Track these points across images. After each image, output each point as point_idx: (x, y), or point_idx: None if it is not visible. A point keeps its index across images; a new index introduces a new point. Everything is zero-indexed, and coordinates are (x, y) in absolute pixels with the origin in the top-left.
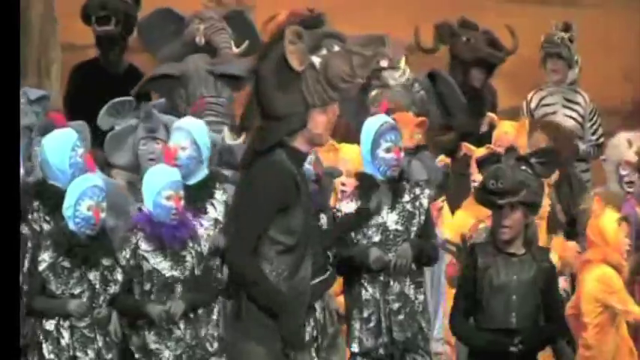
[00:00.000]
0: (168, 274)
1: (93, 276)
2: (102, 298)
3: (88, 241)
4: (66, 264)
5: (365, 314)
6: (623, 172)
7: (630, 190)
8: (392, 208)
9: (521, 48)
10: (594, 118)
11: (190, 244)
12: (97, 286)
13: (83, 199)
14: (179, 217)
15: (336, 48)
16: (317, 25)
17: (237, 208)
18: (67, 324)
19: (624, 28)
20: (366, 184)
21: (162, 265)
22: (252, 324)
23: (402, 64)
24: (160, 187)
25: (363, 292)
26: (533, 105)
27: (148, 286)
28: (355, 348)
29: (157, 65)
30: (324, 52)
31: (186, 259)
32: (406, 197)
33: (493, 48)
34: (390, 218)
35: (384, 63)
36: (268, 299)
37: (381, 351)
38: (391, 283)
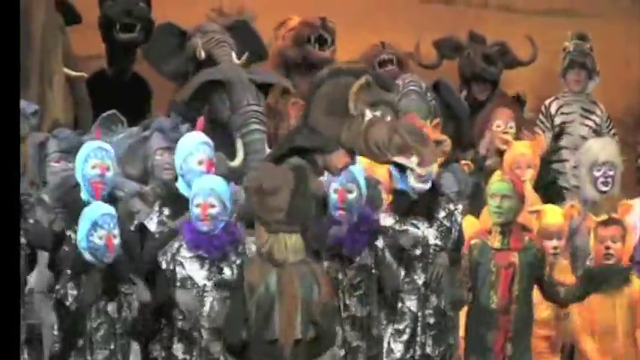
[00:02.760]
0: (201, 283)
1: (111, 308)
2: (118, 325)
3: (103, 271)
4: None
5: (401, 326)
6: (596, 174)
7: (605, 189)
8: (430, 224)
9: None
10: (611, 129)
11: (232, 257)
12: (115, 316)
13: (95, 229)
14: (212, 225)
15: (388, 118)
16: (388, 88)
17: None
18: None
19: (625, 37)
20: (401, 202)
21: (197, 273)
22: None
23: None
24: (192, 194)
25: (400, 304)
26: (552, 110)
27: None
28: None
29: (162, 76)
30: (377, 113)
31: (224, 270)
32: (442, 213)
33: (488, 63)
34: (429, 233)
35: (414, 160)
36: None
37: None
38: (430, 297)
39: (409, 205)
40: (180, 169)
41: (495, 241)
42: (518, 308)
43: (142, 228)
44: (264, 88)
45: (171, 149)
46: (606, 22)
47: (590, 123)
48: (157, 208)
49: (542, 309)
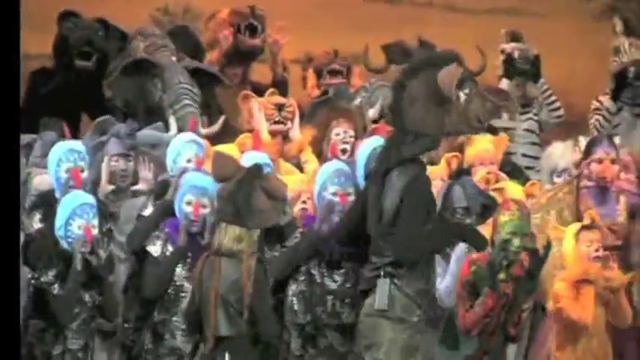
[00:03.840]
0: (179, 283)
1: (88, 296)
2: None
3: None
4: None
5: None
6: (556, 180)
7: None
8: None
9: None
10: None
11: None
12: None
13: (74, 218)
14: (199, 226)
15: (474, 90)
16: (455, 60)
17: (400, 216)
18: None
19: (570, 36)
20: None
21: (178, 271)
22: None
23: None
24: (182, 192)
25: None
26: None
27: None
28: None
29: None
30: (467, 90)
31: None
32: None
33: None
34: None
35: (505, 117)
36: (448, 234)
37: None
38: None
39: None
40: (171, 171)
41: (502, 274)
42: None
43: (144, 252)
44: (201, 81)
45: (127, 156)
46: (550, 20)
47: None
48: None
49: None
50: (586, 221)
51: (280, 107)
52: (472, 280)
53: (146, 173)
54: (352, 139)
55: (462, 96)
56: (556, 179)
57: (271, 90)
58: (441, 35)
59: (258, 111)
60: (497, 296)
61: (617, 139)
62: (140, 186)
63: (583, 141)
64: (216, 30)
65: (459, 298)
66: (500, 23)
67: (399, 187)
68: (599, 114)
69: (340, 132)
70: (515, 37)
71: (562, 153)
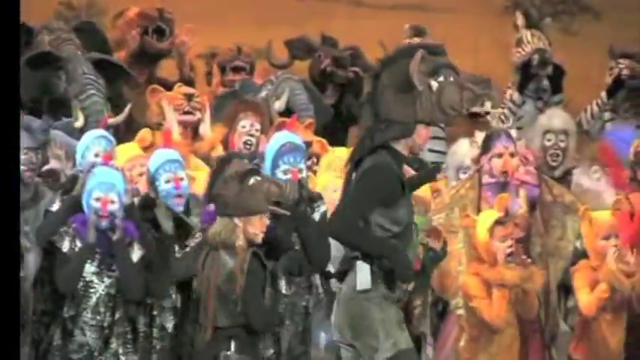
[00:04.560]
0: (88, 279)
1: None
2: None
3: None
4: None
5: None
6: (462, 176)
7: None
8: None
9: (374, 52)
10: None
11: (122, 255)
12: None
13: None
14: (108, 221)
15: (452, 79)
16: (439, 53)
17: (347, 195)
18: None
19: (475, 31)
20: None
21: (87, 267)
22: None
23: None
24: (90, 187)
25: None
26: None
27: None
28: None
29: None
30: (441, 78)
31: (113, 268)
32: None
33: (338, 66)
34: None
35: (488, 104)
36: (380, 245)
37: None
38: None
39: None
40: (79, 166)
41: None
42: None
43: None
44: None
45: (37, 150)
46: (455, 15)
47: None
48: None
49: None
50: (499, 215)
51: (189, 97)
52: None
53: (57, 151)
54: (258, 133)
55: (435, 84)
56: (462, 176)
57: (179, 83)
58: (347, 30)
59: (167, 106)
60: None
61: (513, 132)
62: (52, 164)
63: (479, 136)
64: (123, 29)
65: None
66: (405, 18)
67: (360, 171)
68: (504, 107)
69: (246, 124)
70: (418, 32)
71: (467, 150)
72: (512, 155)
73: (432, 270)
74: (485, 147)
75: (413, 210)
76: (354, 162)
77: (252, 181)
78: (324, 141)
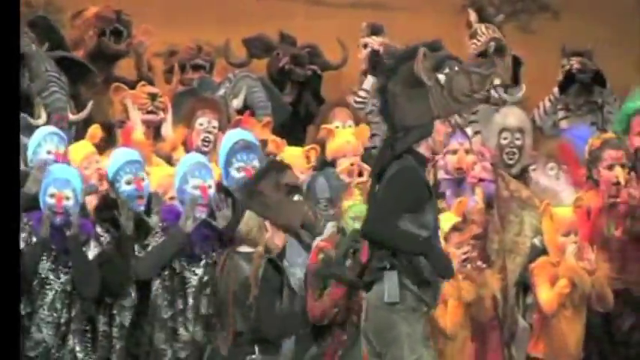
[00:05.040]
0: (44, 275)
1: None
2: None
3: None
4: None
5: None
6: None
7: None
8: None
9: (333, 51)
10: None
11: (77, 252)
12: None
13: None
14: (62, 218)
15: (456, 68)
16: (438, 48)
17: (377, 201)
18: None
19: (433, 29)
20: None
21: (42, 264)
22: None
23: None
24: (46, 184)
25: None
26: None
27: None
28: None
29: None
30: (447, 70)
31: (69, 264)
32: None
33: (296, 64)
34: None
35: (497, 81)
36: (417, 243)
37: None
38: None
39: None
40: (30, 162)
41: (349, 262)
42: None
43: None
44: (69, 71)
45: None
46: (413, 14)
47: None
48: None
49: None
50: (456, 221)
51: (153, 97)
52: (321, 269)
53: None
54: (215, 130)
55: (442, 77)
56: None
57: (142, 82)
58: (306, 29)
59: (131, 105)
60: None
61: (469, 130)
62: None
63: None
64: (81, 29)
65: (309, 286)
66: (364, 17)
67: (388, 176)
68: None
69: (204, 122)
70: (376, 31)
71: None
72: (467, 152)
73: None
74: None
75: (437, 214)
76: (377, 173)
77: (296, 197)
78: (279, 140)
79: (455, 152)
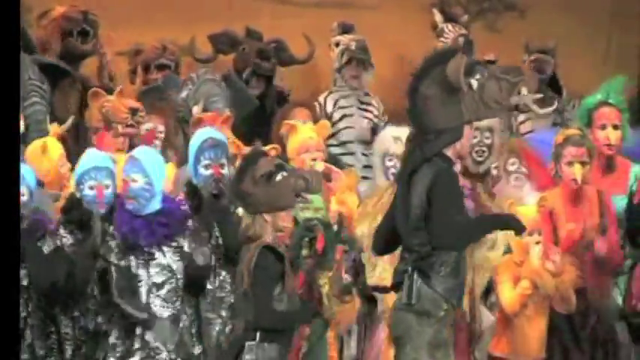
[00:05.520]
0: None
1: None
2: None
3: None
4: None
5: None
6: (388, 164)
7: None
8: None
9: (300, 50)
10: (387, 121)
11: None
12: None
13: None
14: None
15: (485, 73)
16: (464, 49)
17: (440, 213)
18: None
19: (400, 28)
20: (191, 196)
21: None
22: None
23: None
24: None
25: None
26: (329, 108)
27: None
28: None
29: None
30: (478, 76)
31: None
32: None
33: (262, 58)
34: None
35: (525, 90)
36: (484, 223)
37: None
38: None
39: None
40: None
41: (305, 251)
42: None
43: None
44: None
45: None
46: (380, 12)
47: (369, 115)
48: None
49: None
50: None
51: (134, 112)
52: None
53: None
54: (162, 135)
55: (474, 82)
56: (388, 163)
57: (119, 88)
58: (272, 27)
59: (112, 116)
60: (305, 274)
61: None
62: None
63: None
64: (47, 29)
65: None
66: (331, 15)
67: (424, 183)
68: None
69: (149, 127)
70: (347, 29)
71: (393, 137)
72: None
73: (333, 249)
74: None
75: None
76: (408, 174)
77: (279, 177)
78: (238, 142)
79: None
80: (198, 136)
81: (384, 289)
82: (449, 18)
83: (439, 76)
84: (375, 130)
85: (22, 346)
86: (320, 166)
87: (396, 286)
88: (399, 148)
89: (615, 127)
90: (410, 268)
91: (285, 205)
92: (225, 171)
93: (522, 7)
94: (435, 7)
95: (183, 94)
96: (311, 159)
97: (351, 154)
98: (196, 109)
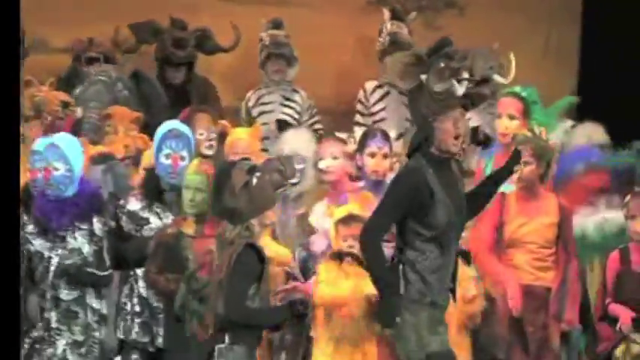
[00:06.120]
0: None
1: None
2: None
3: None
4: None
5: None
6: (298, 167)
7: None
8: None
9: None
10: (313, 115)
11: None
12: None
13: None
14: None
15: (441, 64)
16: (444, 44)
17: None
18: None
19: (337, 27)
20: (150, 185)
21: None
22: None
23: None
24: None
25: None
26: (250, 104)
27: None
28: None
29: None
30: (432, 70)
31: None
32: None
33: (177, 47)
34: None
35: (465, 74)
36: (379, 272)
37: None
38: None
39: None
40: None
41: (190, 229)
42: None
43: None
44: None
45: None
46: (315, 10)
47: (290, 111)
48: None
49: None
50: (340, 214)
51: (65, 105)
52: (166, 244)
53: None
54: None
55: (424, 77)
56: (296, 166)
57: (51, 80)
58: (210, 25)
59: (43, 103)
60: None
61: (392, 133)
62: None
63: (358, 132)
64: None
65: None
66: (268, 13)
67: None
68: (359, 102)
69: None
70: (276, 25)
71: (294, 138)
72: (385, 156)
73: None
74: (361, 145)
75: (453, 210)
76: None
77: (254, 180)
78: (145, 137)
79: (373, 155)
80: (164, 127)
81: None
82: (396, 17)
83: (414, 67)
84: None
85: None
86: None
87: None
88: (293, 150)
89: (511, 117)
90: (395, 259)
91: (270, 206)
92: (183, 163)
93: (462, 5)
94: (384, 5)
95: (77, 90)
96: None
97: (266, 150)
98: (79, 112)
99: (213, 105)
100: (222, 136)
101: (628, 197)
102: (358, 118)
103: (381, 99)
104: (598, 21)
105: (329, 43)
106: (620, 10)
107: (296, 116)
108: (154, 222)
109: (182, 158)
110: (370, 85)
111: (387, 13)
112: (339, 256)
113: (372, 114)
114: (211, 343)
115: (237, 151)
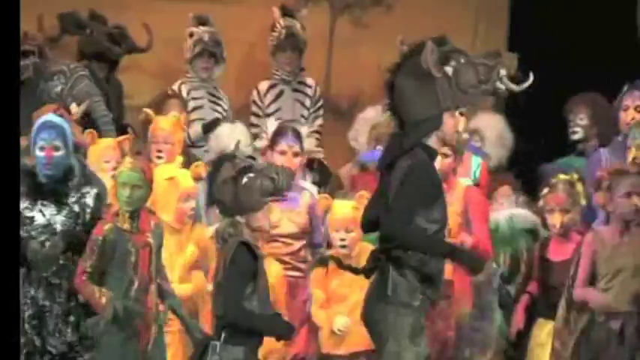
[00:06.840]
0: None
1: None
2: None
3: None
4: None
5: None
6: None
7: None
8: (58, 210)
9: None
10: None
11: None
12: None
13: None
14: None
15: (462, 60)
16: (444, 43)
17: (391, 198)
18: None
19: (263, 22)
20: (28, 183)
21: None
22: (399, 298)
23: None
24: None
25: None
26: (184, 94)
27: None
28: None
29: None
30: (453, 63)
31: None
32: (72, 198)
33: (113, 43)
34: (57, 220)
35: (503, 72)
36: (433, 244)
37: None
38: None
39: (37, 189)
40: None
41: (125, 224)
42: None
43: None
44: None
45: None
46: (241, 7)
47: (219, 109)
48: None
49: None
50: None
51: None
52: (106, 239)
53: None
54: None
55: (450, 70)
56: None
57: None
58: (137, 20)
59: None
60: None
61: (304, 130)
62: None
63: (271, 127)
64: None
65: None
66: (196, 10)
67: (398, 176)
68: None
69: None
70: (202, 21)
71: (231, 133)
72: (295, 155)
73: None
74: (273, 142)
75: (447, 209)
76: (385, 166)
77: (244, 180)
78: (94, 132)
79: (283, 153)
80: (39, 121)
81: (355, 270)
82: (287, 13)
83: (412, 66)
84: None
85: None
86: None
87: (368, 270)
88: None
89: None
90: (385, 258)
91: (253, 208)
92: (58, 153)
93: (389, 2)
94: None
95: (57, 89)
96: (156, 150)
97: (202, 146)
98: (76, 110)
99: (119, 103)
100: (145, 124)
101: (545, 190)
102: (253, 119)
103: (275, 99)
104: (525, 18)
105: (251, 39)
106: (547, 7)
107: (224, 114)
108: (39, 219)
109: (56, 148)
110: (264, 85)
111: (277, 11)
112: (325, 262)
113: (268, 115)
114: (206, 339)
115: (158, 140)
